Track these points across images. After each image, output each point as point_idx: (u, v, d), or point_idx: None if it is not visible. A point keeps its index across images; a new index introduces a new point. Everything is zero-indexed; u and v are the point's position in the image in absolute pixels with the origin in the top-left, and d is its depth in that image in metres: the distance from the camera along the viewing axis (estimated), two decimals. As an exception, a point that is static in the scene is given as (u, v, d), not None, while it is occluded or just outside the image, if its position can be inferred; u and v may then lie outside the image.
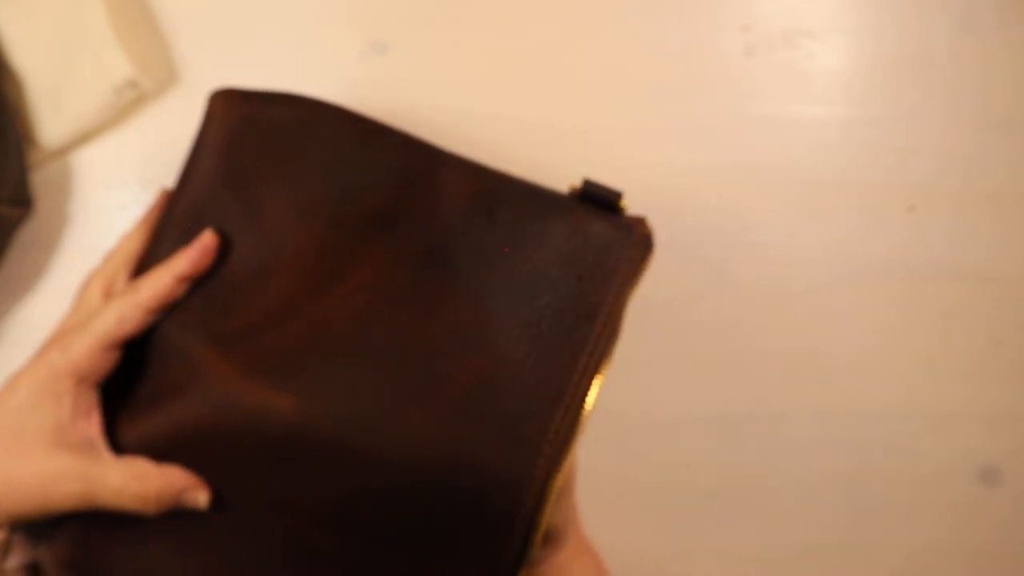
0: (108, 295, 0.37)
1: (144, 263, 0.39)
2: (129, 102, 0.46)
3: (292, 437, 0.33)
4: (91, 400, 0.35)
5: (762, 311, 0.47)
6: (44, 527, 0.36)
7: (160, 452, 0.35)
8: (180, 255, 0.36)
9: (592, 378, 0.34)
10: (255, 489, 0.35)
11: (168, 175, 0.44)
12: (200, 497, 0.34)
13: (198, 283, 0.37)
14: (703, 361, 0.47)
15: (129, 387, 0.36)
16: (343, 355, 0.35)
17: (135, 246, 0.39)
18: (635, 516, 0.46)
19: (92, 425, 0.35)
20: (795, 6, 0.49)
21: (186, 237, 0.38)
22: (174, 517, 0.35)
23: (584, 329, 0.35)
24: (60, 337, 0.35)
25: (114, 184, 0.47)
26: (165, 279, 0.35)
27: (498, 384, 0.34)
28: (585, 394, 0.34)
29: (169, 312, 0.36)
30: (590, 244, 0.36)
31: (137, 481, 0.33)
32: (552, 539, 0.37)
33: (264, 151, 0.38)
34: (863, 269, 0.47)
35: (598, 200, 0.37)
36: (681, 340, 0.47)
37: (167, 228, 0.39)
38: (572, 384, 0.34)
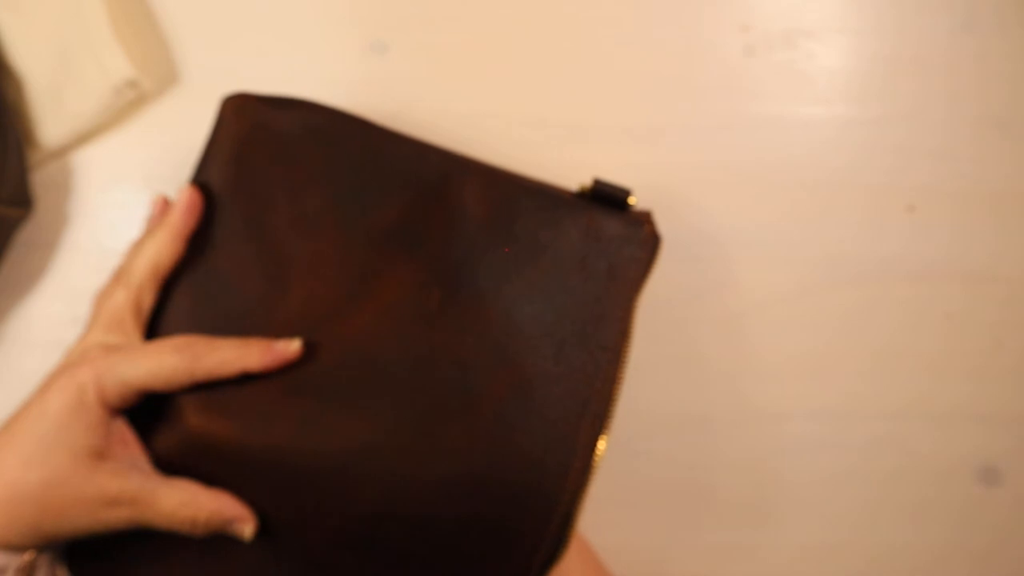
0: (138, 311, 0.36)
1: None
2: (129, 102, 0.46)
3: (324, 459, 0.34)
4: (121, 426, 0.35)
5: (762, 311, 0.47)
6: (60, 547, 0.36)
7: (179, 466, 0.35)
8: (260, 352, 0.35)
9: (615, 381, 0.35)
10: (278, 508, 0.35)
11: (169, 175, 0.44)
12: (247, 529, 0.34)
13: (214, 295, 0.37)
14: (703, 361, 0.47)
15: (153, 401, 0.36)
16: (379, 376, 0.35)
17: (163, 258, 0.37)
18: (635, 516, 0.46)
19: (132, 450, 0.34)
20: (795, 6, 0.49)
21: (191, 255, 0.38)
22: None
23: (603, 333, 0.36)
24: (94, 360, 0.34)
25: (114, 184, 0.47)
26: (233, 368, 0.34)
27: (528, 395, 0.35)
28: (610, 397, 0.35)
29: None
30: (603, 247, 0.37)
31: (189, 506, 0.33)
32: None
33: (276, 158, 0.38)
34: (863, 269, 0.47)
35: (608, 199, 0.38)
36: (681, 340, 0.47)
37: None
38: (596, 390, 0.35)
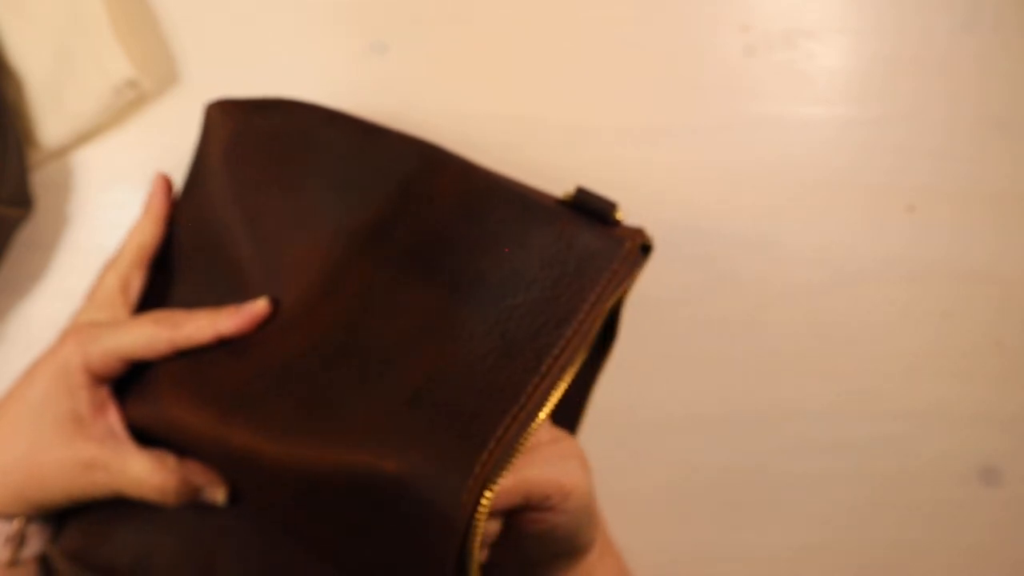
0: (125, 291, 0.38)
1: (151, 266, 0.40)
2: (129, 102, 0.46)
3: (255, 445, 0.33)
4: (104, 394, 0.36)
5: (762, 311, 0.47)
6: (50, 519, 0.37)
7: (146, 436, 0.35)
8: (229, 315, 0.36)
9: (553, 384, 0.33)
10: (240, 480, 0.35)
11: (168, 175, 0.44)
12: (219, 494, 0.35)
13: (218, 296, 0.37)
14: (702, 361, 0.47)
15: (135, 375, 0.36)
16: (316, 363, 0.34)
17: (146, 239, 0.40)
18: (635, 515, 0.46)
19: (110, 417, 0.35)
20: (795, 6, 0.49)
21: (191, 255, 0.39)
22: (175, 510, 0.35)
23: (553, 335, 0.33)
24: (79, 330, 0.36)
25: (114, 184, 0.47)
26: (207, 332, 0.35)
27: (451, 378, 0.33)
28: (544, 399, 0.32)
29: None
30: (574, 252, 0.35)
31: (159, 473, 0.34)
32: (582, 545, 0.36)
33: (262, 161, 0.38)
34: (863, 269, 0.48)
35: (590, 209, 0.36)
36: (681, 340, 0.47)
37: (171, 248, 0.40)
38: (530, 387, 0.32)
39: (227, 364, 0.35)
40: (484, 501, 0.30)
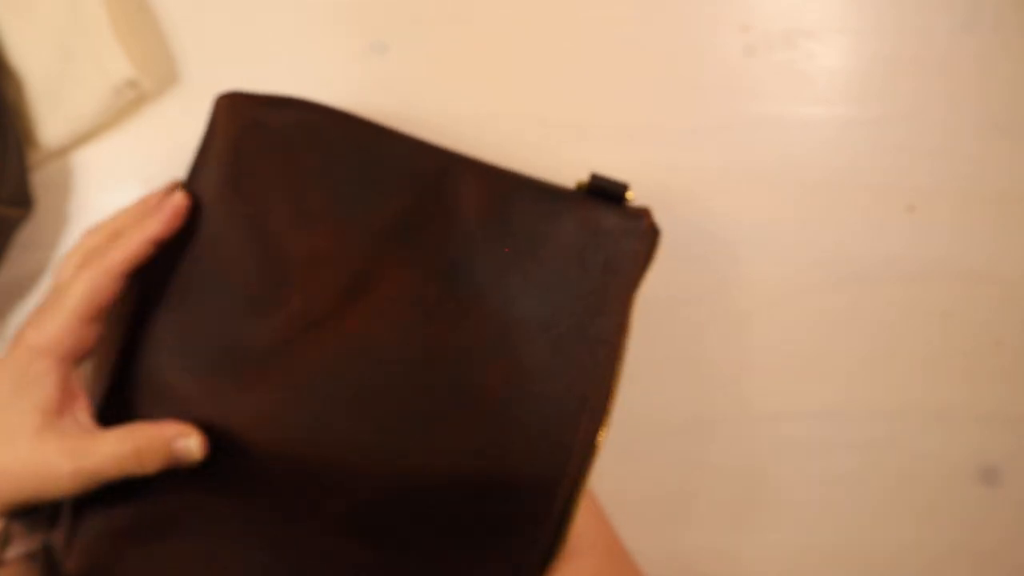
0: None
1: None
2: (129, 102, 0.46)
3: (325, 454, 0.34)
4: (75, 379, 0.35)
5: (762, 311, 0.47)
6: (41, 519, 0.37)
7: None
8: (154, 217, 0.36)
9: (614, 375, 0.35)
10: (283, 500, 0.35)
11: (169, 175, 0.44)
12: (192, 443, 0.34)
13: (217, 291, 0.37)
14: (703, 361, 0.47)
15: (163, 400, 0.36)
16: (375, 372, 0.35)
17: (123, 228, 0.37)
18: (635, 516, 0.46)
19: (78, 405, 0.35)
20: (795, 6, 0.49)
21: (190, 244, 0.38)
22: (194, 522, 0.35)
23: (601, 327, 0.35)
24: (35, 317, 0.35)
25: (114, 184, 0.47)
26: (136, 241, 0.35)
27: (525, 390, 0.35)
28: (609, 391, 0.35)
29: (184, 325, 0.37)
30: (600, 241, 0.36)
31: (129, 439, 0.33)
32: None
33: (272, 157, 0.38)
34: (863, 269, 0.48)
35: (606, 193, 0.38)
36: (681, 340, 0.47)
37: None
38: (595, 384, 0.35)
39: (270, 377, 0.35)
40: (576, 502, 0.34)
